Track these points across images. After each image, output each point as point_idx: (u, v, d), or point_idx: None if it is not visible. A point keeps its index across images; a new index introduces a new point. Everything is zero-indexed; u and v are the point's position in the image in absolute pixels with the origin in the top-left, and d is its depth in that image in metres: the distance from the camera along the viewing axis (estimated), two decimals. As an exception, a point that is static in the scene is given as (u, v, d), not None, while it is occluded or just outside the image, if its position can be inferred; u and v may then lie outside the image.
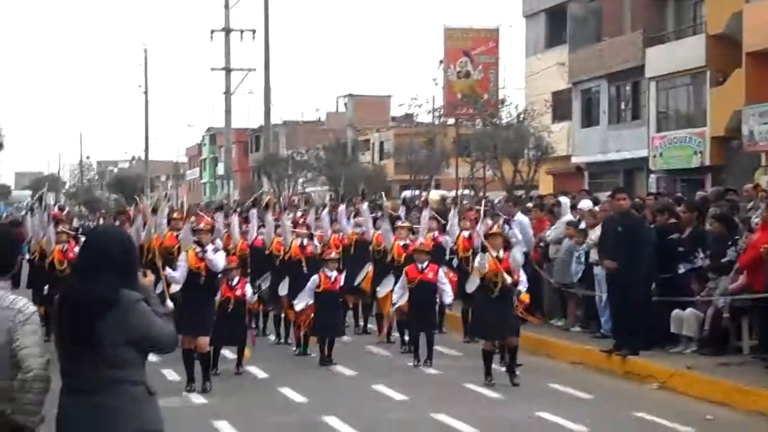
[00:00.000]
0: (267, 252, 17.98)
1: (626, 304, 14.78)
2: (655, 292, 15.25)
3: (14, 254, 5.60)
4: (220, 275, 14.20)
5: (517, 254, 14.81)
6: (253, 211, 19.63)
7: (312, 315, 15.90)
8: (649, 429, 11.36)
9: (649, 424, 11.55)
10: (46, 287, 17.21)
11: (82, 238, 18.01)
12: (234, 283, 14.68)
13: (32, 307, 5.29)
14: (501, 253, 13.99)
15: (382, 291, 17.93)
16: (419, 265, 15.68)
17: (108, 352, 5.24)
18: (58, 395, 5.40)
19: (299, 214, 21.09)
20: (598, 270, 16.31)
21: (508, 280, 13.68)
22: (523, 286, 14.24)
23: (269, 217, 18.36)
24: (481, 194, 36.68)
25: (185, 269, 13.88)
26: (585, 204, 19.47)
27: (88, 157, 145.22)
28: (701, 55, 35.02)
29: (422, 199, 32.79)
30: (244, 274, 15.91)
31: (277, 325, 18.45)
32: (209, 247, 13.99)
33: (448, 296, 15.93)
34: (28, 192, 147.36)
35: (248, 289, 15.04)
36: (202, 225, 14.89)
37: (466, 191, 40.32)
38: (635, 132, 38.94)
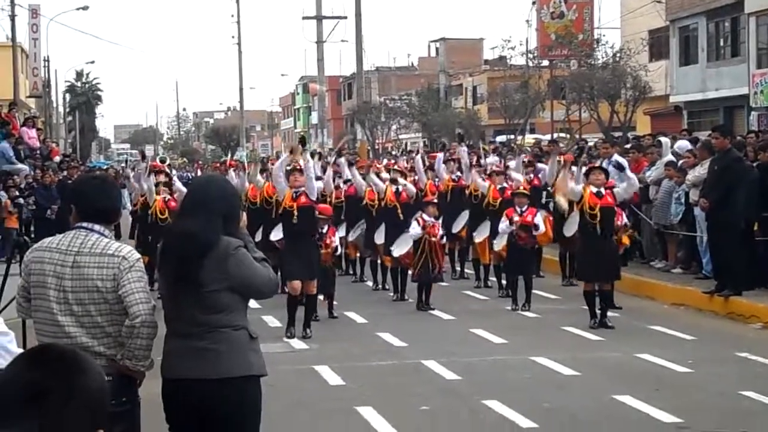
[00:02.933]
0: (363, 203, 18.05)
1: (725, 244, 14.54)
2: (758, 232, 14.97)
3: (118, 205, 5.68)
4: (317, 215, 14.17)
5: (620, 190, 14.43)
6: (342, 160, 19.81)
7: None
8: (753, 369, 11.20)
9: (753, 364, 11.39)
10: (150, 237, 17.48)
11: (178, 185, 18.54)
12: (323, 231, 14.73)
13: (136, 254, 5.36)
14: (603, 190, 13.83)
15: (479, 237, 17.89)
16: (518, 209, 15.56)
17: (209, 297, 5.31)
18: (163, 341, 5.51)
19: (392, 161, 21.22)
20: (697, 210, 16.06)
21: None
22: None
23: (354, 171, 18.80)
24: (577, 137, 36.27)
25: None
26: (682, 144, 19.12)
27: (184, 109, 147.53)
28: (804, -12, 33.96)
29: (517, 143, 32.63)
30: (334, 224, 15.98)
31: (374, 272, 18.56)
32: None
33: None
34: (127, 145, 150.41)
35: (336, 240, 15.08)
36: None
37: (562, 134, 39.89)
38: (735, 69, 38.00)
